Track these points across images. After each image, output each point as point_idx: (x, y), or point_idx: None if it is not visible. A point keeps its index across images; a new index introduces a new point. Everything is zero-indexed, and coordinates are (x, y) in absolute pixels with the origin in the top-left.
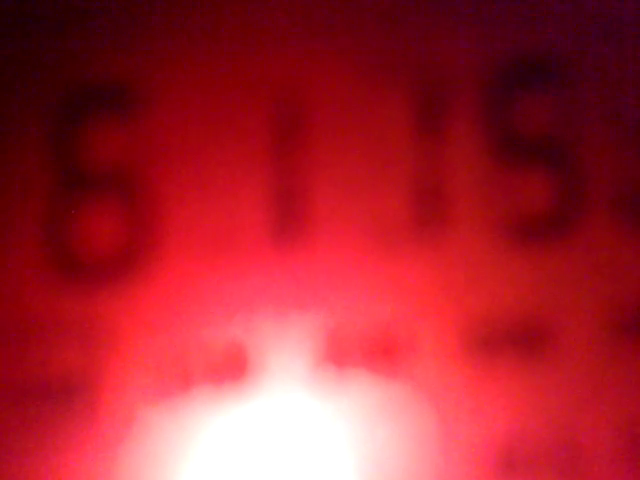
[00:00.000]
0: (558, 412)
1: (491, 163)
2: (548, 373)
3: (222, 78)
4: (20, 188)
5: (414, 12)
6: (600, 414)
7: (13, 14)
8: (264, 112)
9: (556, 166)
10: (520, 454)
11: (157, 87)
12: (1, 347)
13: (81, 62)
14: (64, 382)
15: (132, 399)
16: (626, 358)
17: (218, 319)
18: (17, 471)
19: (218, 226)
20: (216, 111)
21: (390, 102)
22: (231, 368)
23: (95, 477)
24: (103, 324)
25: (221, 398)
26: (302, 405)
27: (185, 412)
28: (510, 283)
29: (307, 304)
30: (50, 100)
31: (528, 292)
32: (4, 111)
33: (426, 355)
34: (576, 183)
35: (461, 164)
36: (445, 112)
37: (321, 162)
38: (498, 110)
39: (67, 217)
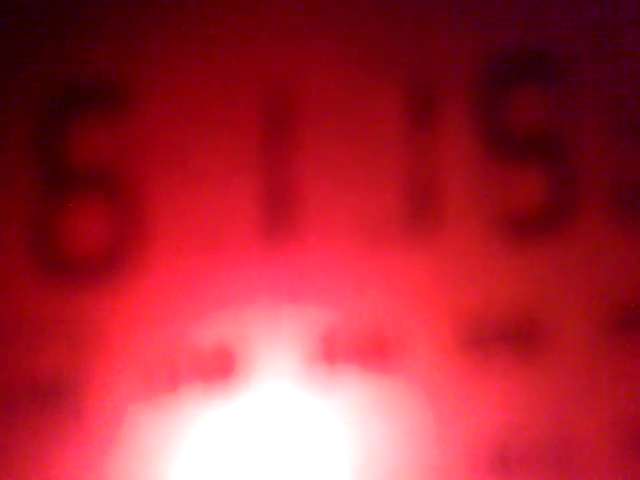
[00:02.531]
0: (552, 408)
1: (485, 158)
2: (542, 369)
3: (211, 74)
4: (5, 187)
5: (407, 7)
6: (594, 410)
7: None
8: (254, 108)
9: (550, 162)
10: (514, 450)
11: (144, 84)
12: None
13: (67, 60)
14: (52, 382)
15: (120, 398)
16: (621, 354)
17: (207, 317)
18: (5, 471)
19: (207, 223)
20: (205, 108)
21: (382, 97)
22: (221, 366)
23: (84, 477)
24: (91, 323)
25: (211, 397)
26: (293, 403)
27: (174, 411)
28: (504, 279)
29: (298, 301)
30: (36, 98)
31: (522, 288)
32: None
33: (419, 352)
34: (570, 179)
35: (454, 159)
36: (438, 107)
37: (312, 158)
38: (492, 105)
39: (53, 216)
